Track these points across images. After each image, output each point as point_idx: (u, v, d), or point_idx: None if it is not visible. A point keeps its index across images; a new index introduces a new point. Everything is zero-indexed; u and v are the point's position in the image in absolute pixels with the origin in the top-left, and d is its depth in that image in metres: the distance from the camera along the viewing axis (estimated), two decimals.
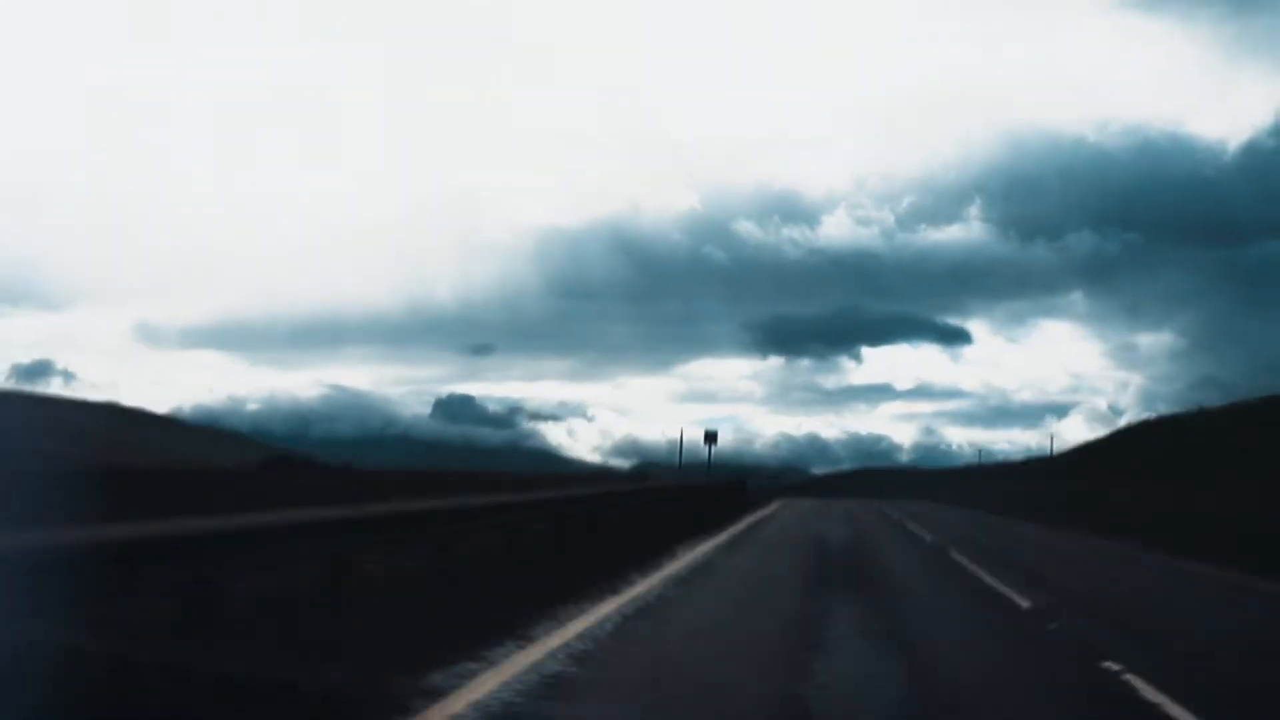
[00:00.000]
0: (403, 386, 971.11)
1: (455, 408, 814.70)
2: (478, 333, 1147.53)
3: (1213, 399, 70.26)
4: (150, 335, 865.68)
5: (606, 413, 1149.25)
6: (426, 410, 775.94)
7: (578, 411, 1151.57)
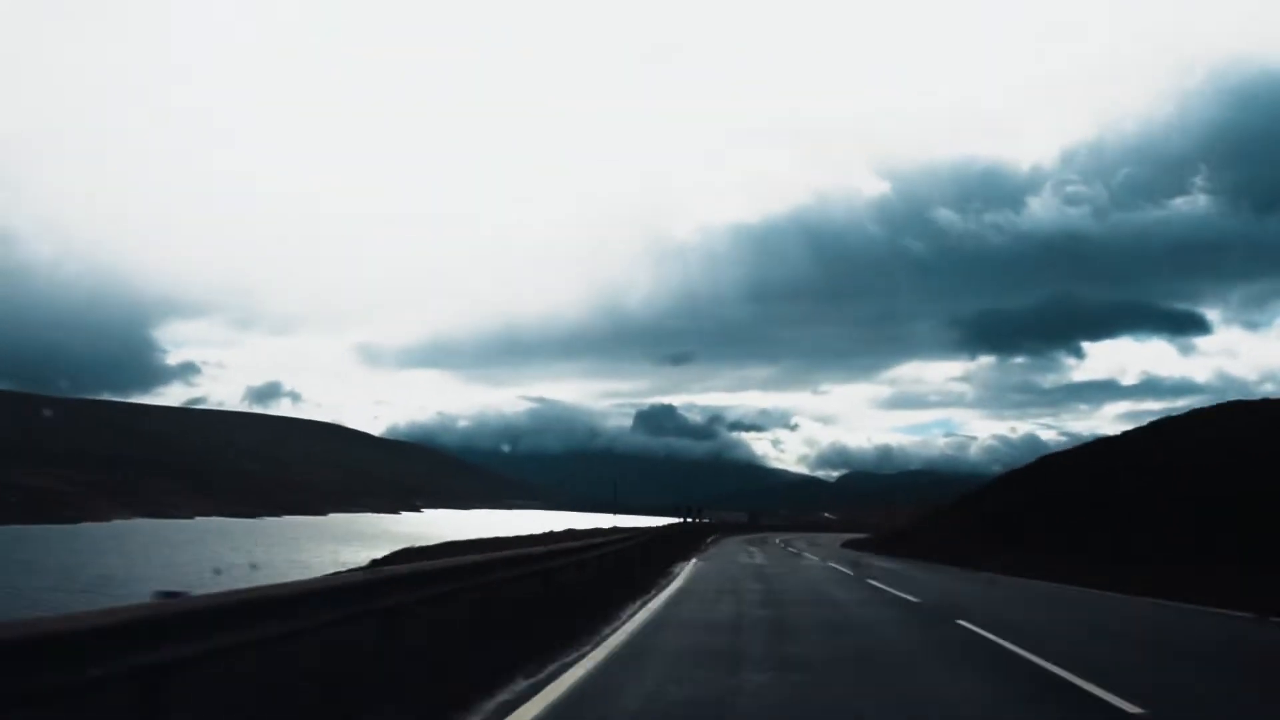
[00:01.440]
0: (605, 400, 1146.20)
1: (657, 419, 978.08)
2: (674, 340, 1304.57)
3: None
4: (370, 356, 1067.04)
5: (810, 421, 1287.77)
6: (628, 422, 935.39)
7: (780, 421, 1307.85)
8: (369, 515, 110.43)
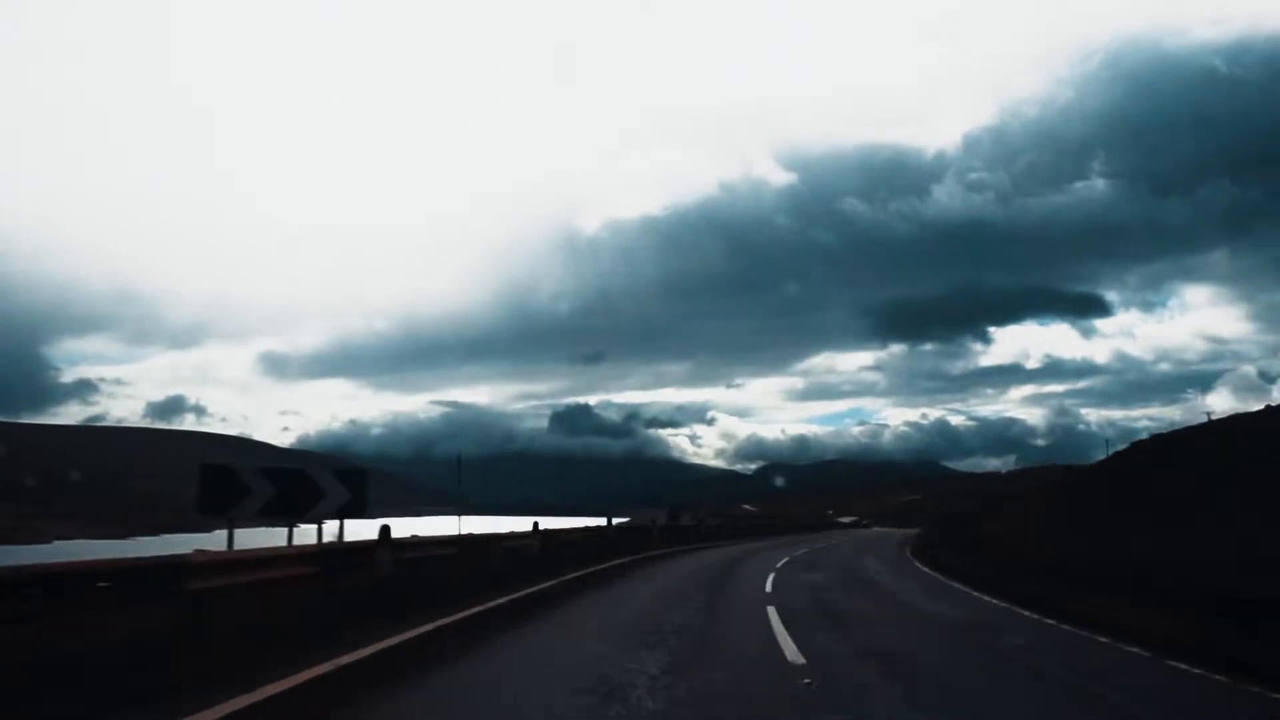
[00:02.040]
0: (520, 402, 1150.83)
1: (572, 419, 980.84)
2: (587, 339, 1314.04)
3: None
4: (276, 367, 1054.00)
5: (726, 415, 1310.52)
6: (544, 424, 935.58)
7: (696, 416, 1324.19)
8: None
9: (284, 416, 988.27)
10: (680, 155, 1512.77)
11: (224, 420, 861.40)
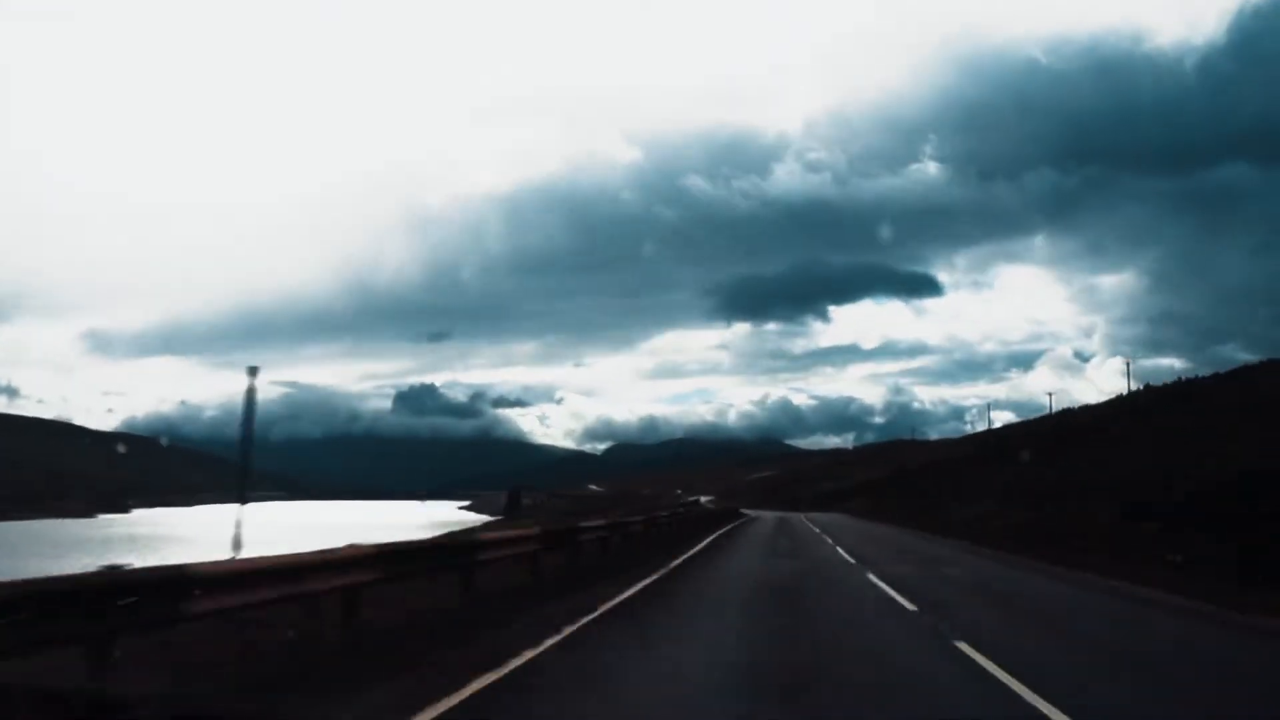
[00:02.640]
0: (365, 382, 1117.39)
1: (417, 400, 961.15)
2: (432, 317, 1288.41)
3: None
4: (100, 345, 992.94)
5: (574, 395, 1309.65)
6: (387, 404, 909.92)
7: (545, 396, 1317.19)
8: (57, 520, 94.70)
9: (108, 397, 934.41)
10: (529, 133, 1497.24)
11: (41, 402, 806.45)
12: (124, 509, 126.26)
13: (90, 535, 75.23)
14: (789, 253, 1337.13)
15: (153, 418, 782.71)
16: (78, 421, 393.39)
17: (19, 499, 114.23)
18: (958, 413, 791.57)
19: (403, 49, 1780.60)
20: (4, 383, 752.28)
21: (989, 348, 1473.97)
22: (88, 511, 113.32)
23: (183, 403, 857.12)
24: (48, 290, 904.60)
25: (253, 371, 13.15)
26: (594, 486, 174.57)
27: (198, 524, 77.60)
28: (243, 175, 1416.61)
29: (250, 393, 13.60)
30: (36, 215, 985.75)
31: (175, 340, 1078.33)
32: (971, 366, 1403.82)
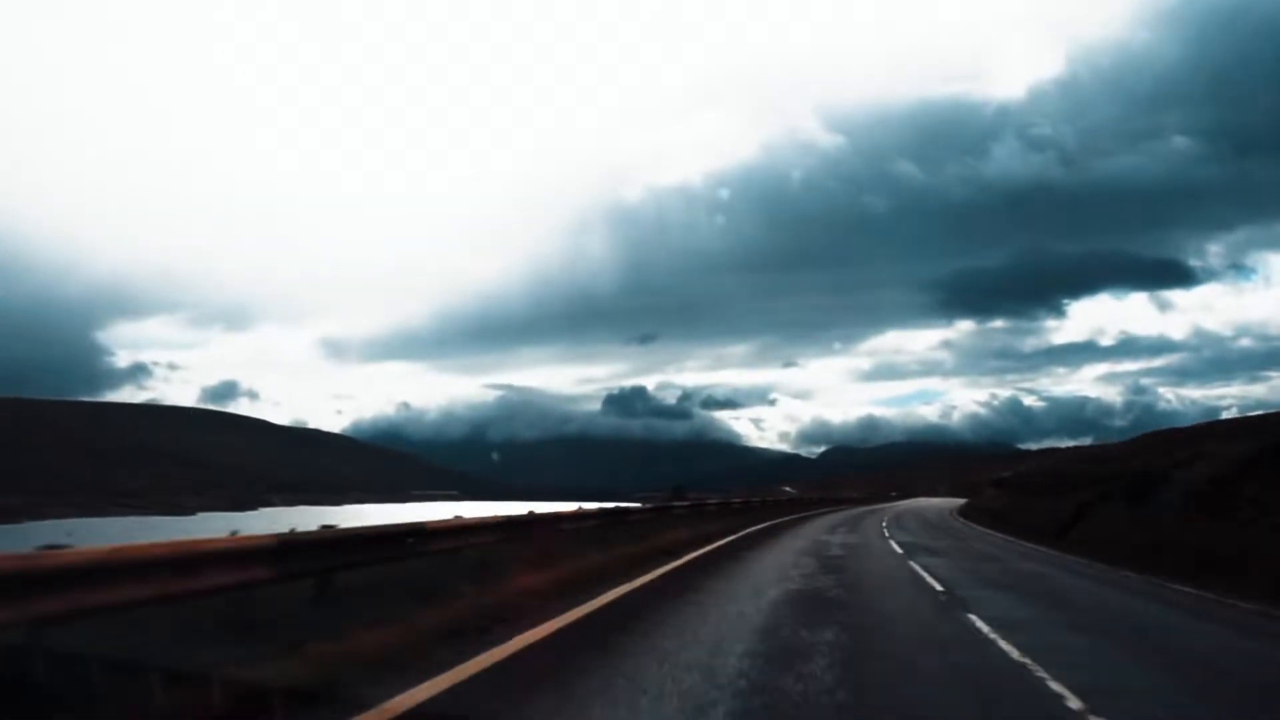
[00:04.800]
0: (578, 385, 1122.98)
1: (627, 402, 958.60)
2: (639, 319, 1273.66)
3: None
4: (334, 350, 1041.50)
5: (788, 398, 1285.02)
6: (598, 406, 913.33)
7: (758, 398, 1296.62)
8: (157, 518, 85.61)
9: (338, 400, 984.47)
10: (724, 122, 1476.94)
11: (277, 405, 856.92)
12: (253, 507, 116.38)
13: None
14: (1011, 242, 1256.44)
15: (379, 419, 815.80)
16: (311, 424, 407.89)
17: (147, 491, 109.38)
18: (1210, 413, 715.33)
19: (588, 41, 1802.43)
20: (247, 386, 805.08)
21: (1245, 343, 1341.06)
22: (201, 507, 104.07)
23: (405, 405, 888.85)
24: (286, 299, 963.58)
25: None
26: (788, 488, 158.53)
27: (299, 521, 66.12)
28: (449, 180, 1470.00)
29: None
30: (273, 226, 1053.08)
31: (401, 345, 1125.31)
32: (1223, 365, 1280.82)
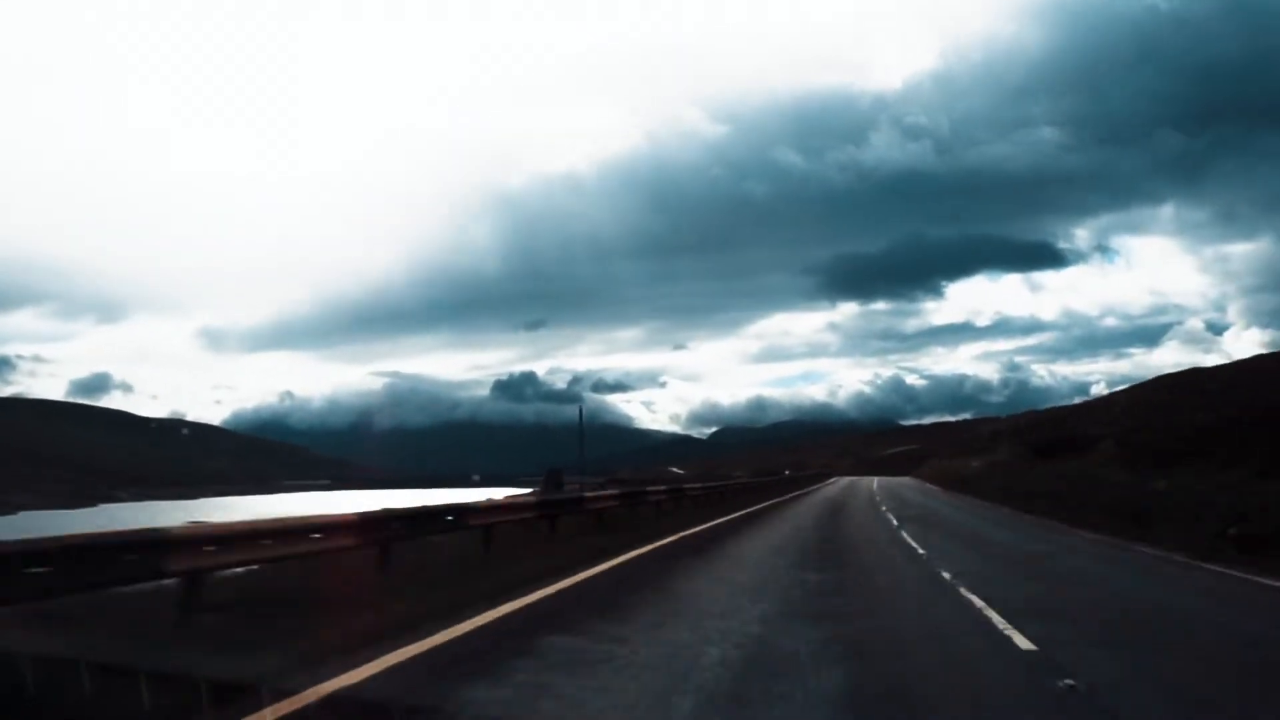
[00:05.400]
0: (467, 371, 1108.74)
1: (516, 387, 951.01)
2: (527, 305, 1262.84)
3: None
4: (214, 341, 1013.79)
5: (678, 380, 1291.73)
6: (486, 392, 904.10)
7: (648, 380, 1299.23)
8: None
9: (218, 391, 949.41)
10: (608, 110, 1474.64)
11: (154, 397, 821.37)
12: (92, 502, 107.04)
13: None
14: (891, 227, 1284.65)
15: (261, 410, 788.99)
16: (189, 416, 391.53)
17: None
18: (1081, 389, 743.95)
19: (473, 27, 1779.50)
20: (121, 379, 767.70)
21: (1110, 323, 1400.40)
22: (33, 504, 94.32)
23: (289, 395, 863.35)
24: (162, 289, 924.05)
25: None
26: (675, 469, 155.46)
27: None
28: (338, 167, 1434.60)
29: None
30: (150, 216, 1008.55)
31: (284, 335, 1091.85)
32: (1091, 343, 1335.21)
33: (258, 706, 5.31)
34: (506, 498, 30.30)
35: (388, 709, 5.59)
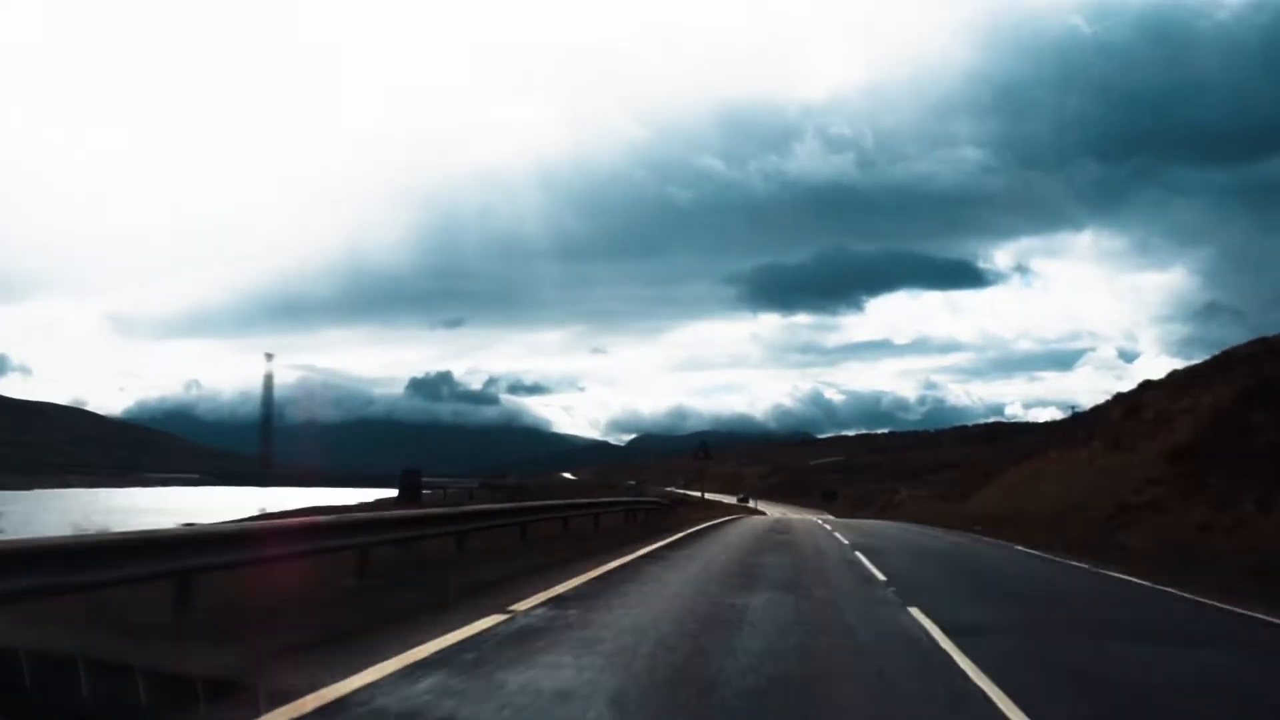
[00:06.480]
0: (383, 368, 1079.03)
1: (432, 386, 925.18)
2: (446, 303, 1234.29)
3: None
4: (123, 327, 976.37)
5: (599, 386, 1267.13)
6: (400, 390, 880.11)
7: (568, 384, 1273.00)
8: None
9: (124, 378, 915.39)
10: (531, 109, 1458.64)
11: (54, 382, 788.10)
12: None
13: None
14: (813, 239, 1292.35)
15: (167, 399, 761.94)
16: (92, 403, 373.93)
17: None
18: (995, 409, 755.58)
19: (397, 20, 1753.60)
20: (19, 361, 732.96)
21: (1024, 345, 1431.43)
22: None
23: (196, 384, 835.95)
24: (70, 271, 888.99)
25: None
26: (567, 475, 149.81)
27: None
28: (253, 155, 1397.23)
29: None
30: (56, 197, 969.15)
31: (196, 323, 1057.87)
32: (1005, 365, 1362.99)
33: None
34: None
35: None
